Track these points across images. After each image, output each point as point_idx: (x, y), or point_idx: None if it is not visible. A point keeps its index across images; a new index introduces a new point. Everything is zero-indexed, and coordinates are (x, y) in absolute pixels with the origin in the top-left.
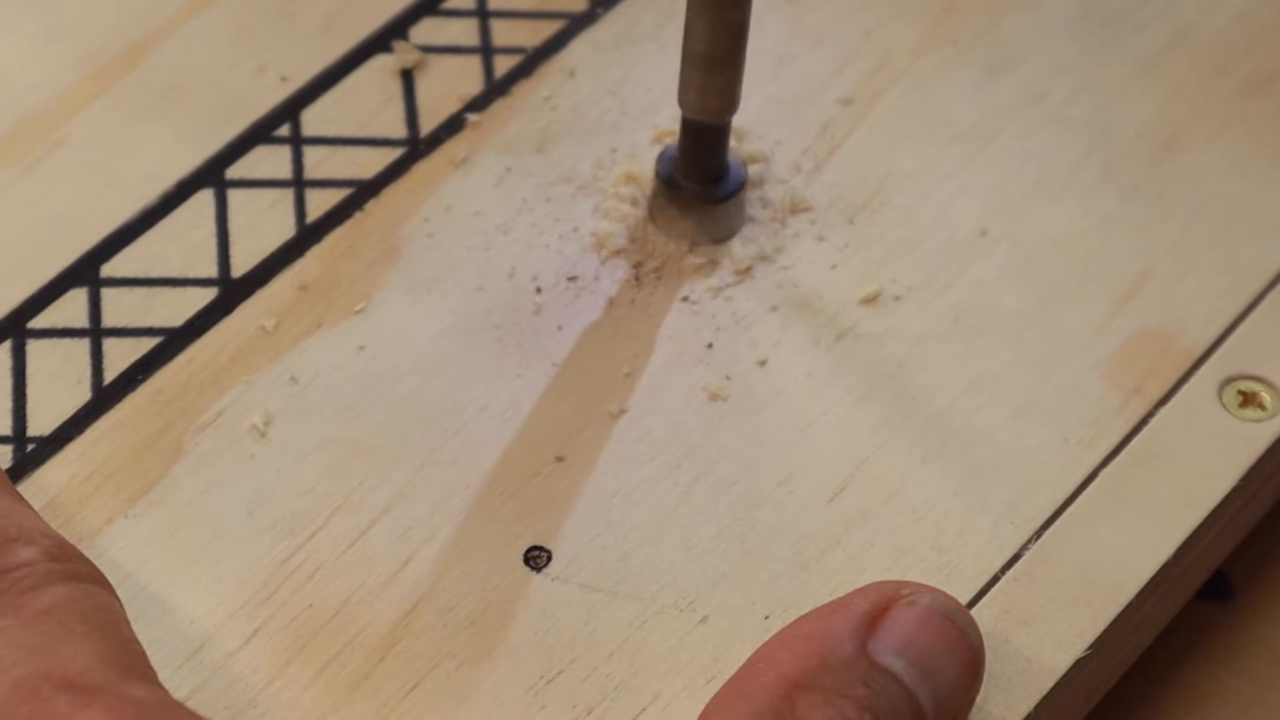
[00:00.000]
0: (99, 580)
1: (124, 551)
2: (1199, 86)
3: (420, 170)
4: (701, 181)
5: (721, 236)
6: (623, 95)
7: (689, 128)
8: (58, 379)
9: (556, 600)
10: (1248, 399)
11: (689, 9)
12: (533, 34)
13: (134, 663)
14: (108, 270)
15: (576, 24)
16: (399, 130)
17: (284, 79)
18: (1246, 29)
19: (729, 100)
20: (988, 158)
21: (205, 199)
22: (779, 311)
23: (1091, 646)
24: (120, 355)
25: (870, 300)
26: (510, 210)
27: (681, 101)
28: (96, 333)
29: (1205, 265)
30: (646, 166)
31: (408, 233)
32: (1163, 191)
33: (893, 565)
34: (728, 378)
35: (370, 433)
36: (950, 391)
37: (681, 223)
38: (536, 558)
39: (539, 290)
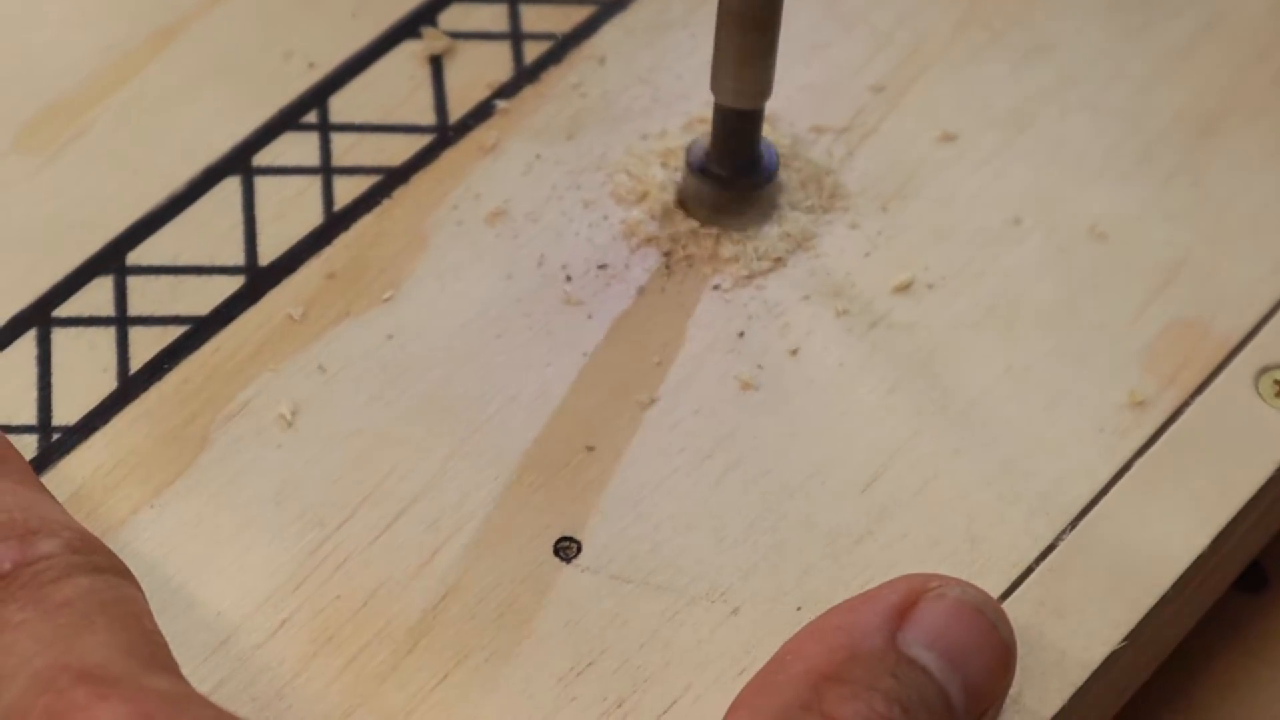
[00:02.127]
0: (121, 572)
1: (150, 542)
2: (1235, 73)
3: (449, 157)
4: (734, 170)
5: (753, 224)
6: (653, 82)
7: (721, 114)
8: (83, 368)
9: (586, 592)
10: None
11: None
12: (562, 20)
13: (155, 654)
14: (134, 258)
15: (607, 10)
16: (427, 117)
17: (311, 65)
18: None
19: (763, 86)
20: (1022, 144)
21: (232, 186)
22: (811, 300)
23: (1127, 638)
24: (146, 344)
25: (903, 289)
26: (540, 198)
27: (715, 88)
28: (122, 321)
29: (1241, 253)
30: (677, 154)
31: (436, 220)
32: (1199, 179)
33: (925, 556)
34: (759, 367)
35: (398, 422)
36: (983, 381)
37: (713, 211)
38: (566, 549)
39: (569, 279)
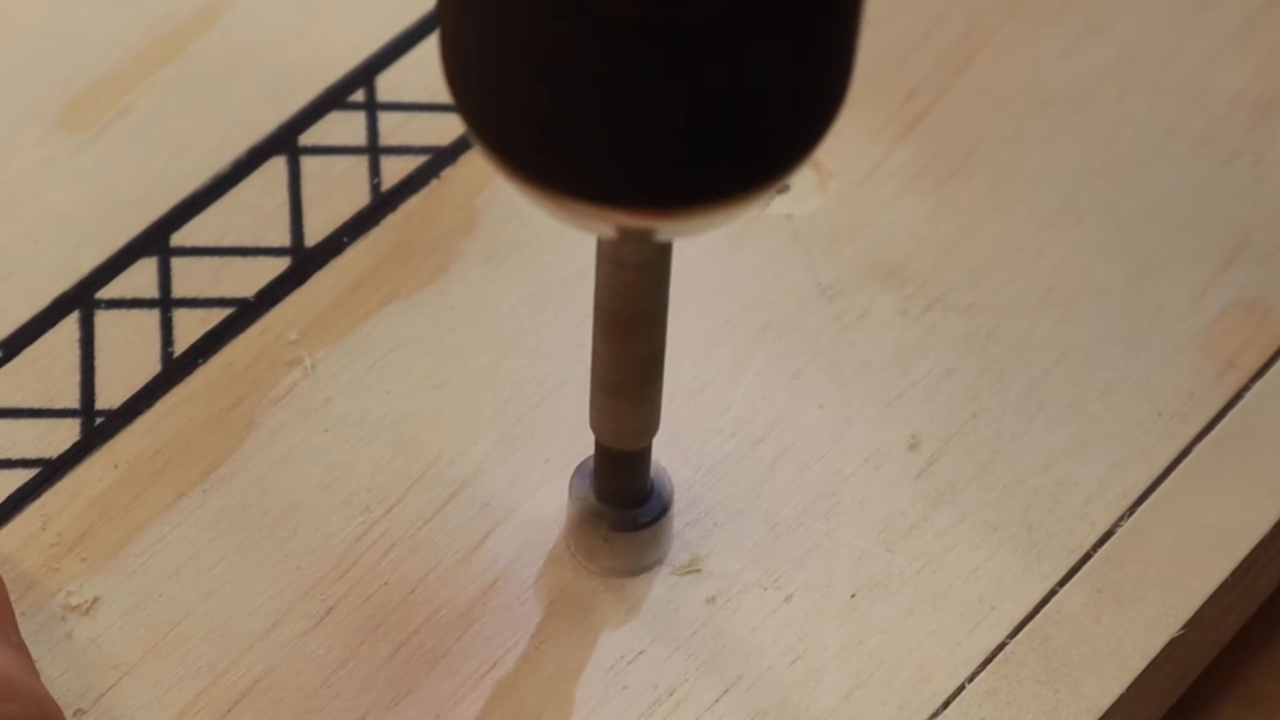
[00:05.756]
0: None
1: (195, 528)
2: None
3: None
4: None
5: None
6: None
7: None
8: (127, 351)
9: (638, 578)
10: None
11: (594, 336)
12: None
13: None
14: (178, 239)
15: None
16: None
17: (358, 43)
18: None
19: (644, 426)
20: (1079, 124)
21: (278, 166)
22: (866, 282)
23: (1186, 625)
24: (191, 327)
25: (958, 270)
26: None
27: (593, 426)
28: (166, 303)
29: None
30: None
31: (485, 201)
32: (1259, 159)
33: (981, 542)
34: (812, 349)
35: (447, 405)
36: (1041, 364)
37: None
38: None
39: None
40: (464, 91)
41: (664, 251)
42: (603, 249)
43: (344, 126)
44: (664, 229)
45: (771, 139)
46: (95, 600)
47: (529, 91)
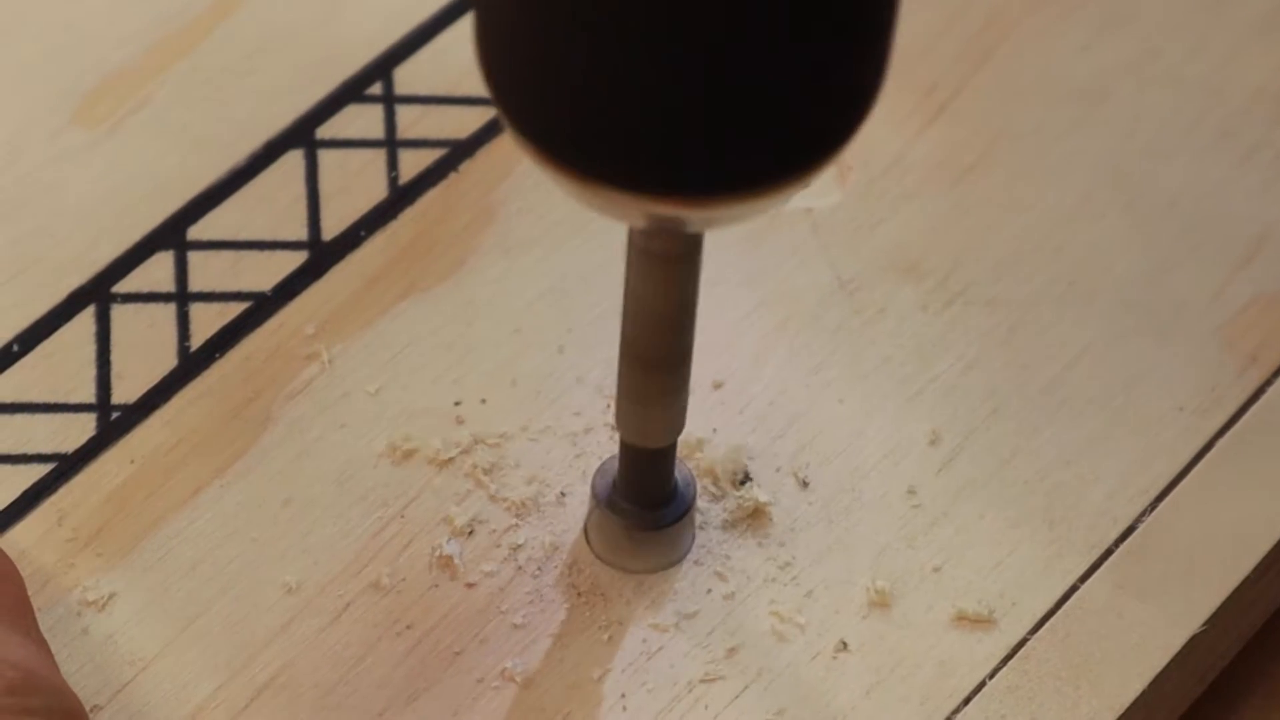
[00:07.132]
0: (59, 714)
1: (211, 523)
2: None
3: None
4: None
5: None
6: None
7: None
8: (143, 345)
9: (659, 574)
10: None
11: (623, 332)
12: None
13: None
14: (194, 233)
15: None
16: None
17: (376, 35)
18: None
19: (671, 425)
20: (1100, 117)
21: (295, 159)
22: (886, 276)
23: (1208, 621)
24: (207, 321)
25: (979, 264)
26: None
27: (618, 424)
28: (183, 297)
29: None
30: None
31: (503, 194)
32: None
33: (1003, 538)
34: (831, 345)
35: (467, 400)
36: (1062, 358)
37: None
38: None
39: None
40: (500, 78)
41: (694, 245)
42: (634, 240)
43: (361, 120)
44: (693, 219)
45: (803, 133)
46: (112, 596)
47: (565, 77)
